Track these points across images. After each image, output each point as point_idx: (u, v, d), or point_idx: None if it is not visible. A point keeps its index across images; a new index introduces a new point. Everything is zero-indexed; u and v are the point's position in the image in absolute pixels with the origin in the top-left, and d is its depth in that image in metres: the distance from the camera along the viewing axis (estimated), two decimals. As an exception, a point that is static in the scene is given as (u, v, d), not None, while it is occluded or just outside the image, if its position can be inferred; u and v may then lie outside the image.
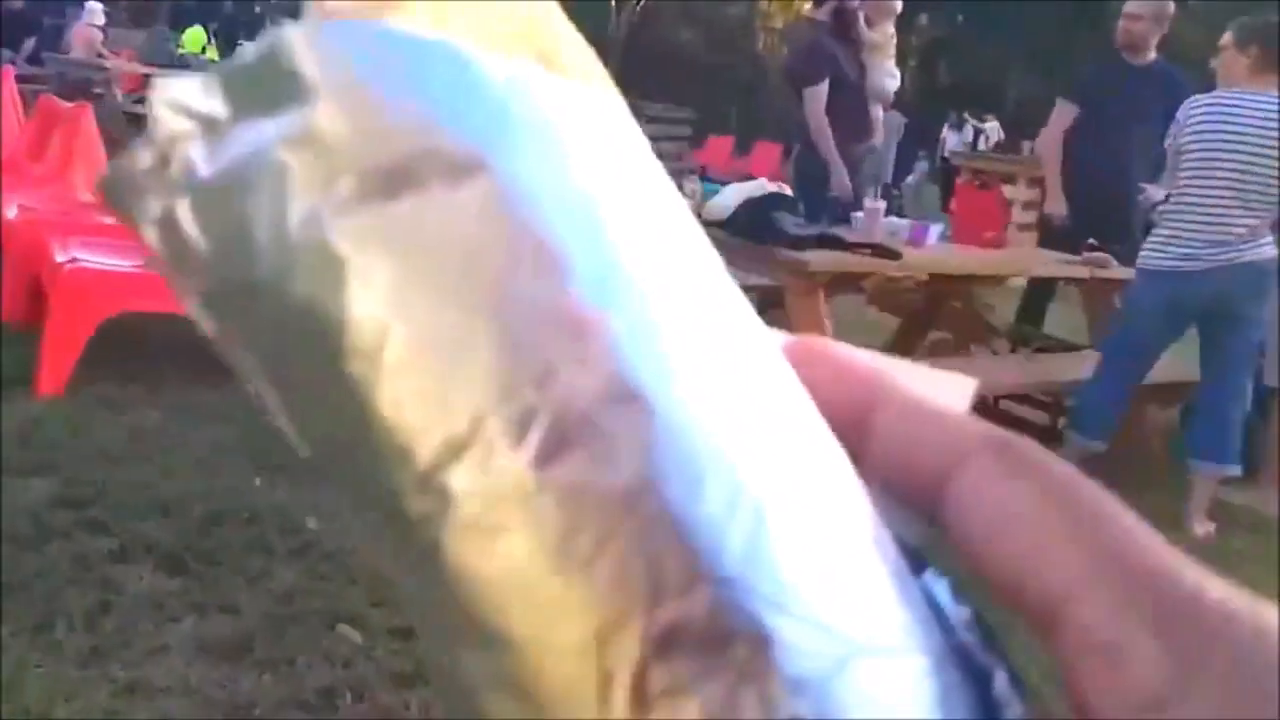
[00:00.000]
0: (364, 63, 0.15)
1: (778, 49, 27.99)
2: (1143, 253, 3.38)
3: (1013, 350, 4.28)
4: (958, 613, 0.16)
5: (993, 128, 14.76)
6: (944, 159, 13.62)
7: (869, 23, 4.78)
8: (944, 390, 0.18)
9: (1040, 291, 4.79)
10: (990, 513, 0.15)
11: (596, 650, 0.13)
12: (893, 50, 4.81)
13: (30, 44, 11.69)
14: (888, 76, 4.83)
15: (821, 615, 0.14)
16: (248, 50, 0.15)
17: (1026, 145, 9.67)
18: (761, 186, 3.66)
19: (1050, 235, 4.74)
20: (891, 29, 4.80)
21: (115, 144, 6.79)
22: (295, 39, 0.15)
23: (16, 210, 4.11)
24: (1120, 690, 0.14)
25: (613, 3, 21.23)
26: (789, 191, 3.79)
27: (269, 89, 0.14)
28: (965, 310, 4.44)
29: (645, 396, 0.14)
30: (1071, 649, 0.15)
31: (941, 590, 0.16)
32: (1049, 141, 4.54)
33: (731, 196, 3.64)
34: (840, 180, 4.63)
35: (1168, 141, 3.44)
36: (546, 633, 0.13)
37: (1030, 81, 22.49)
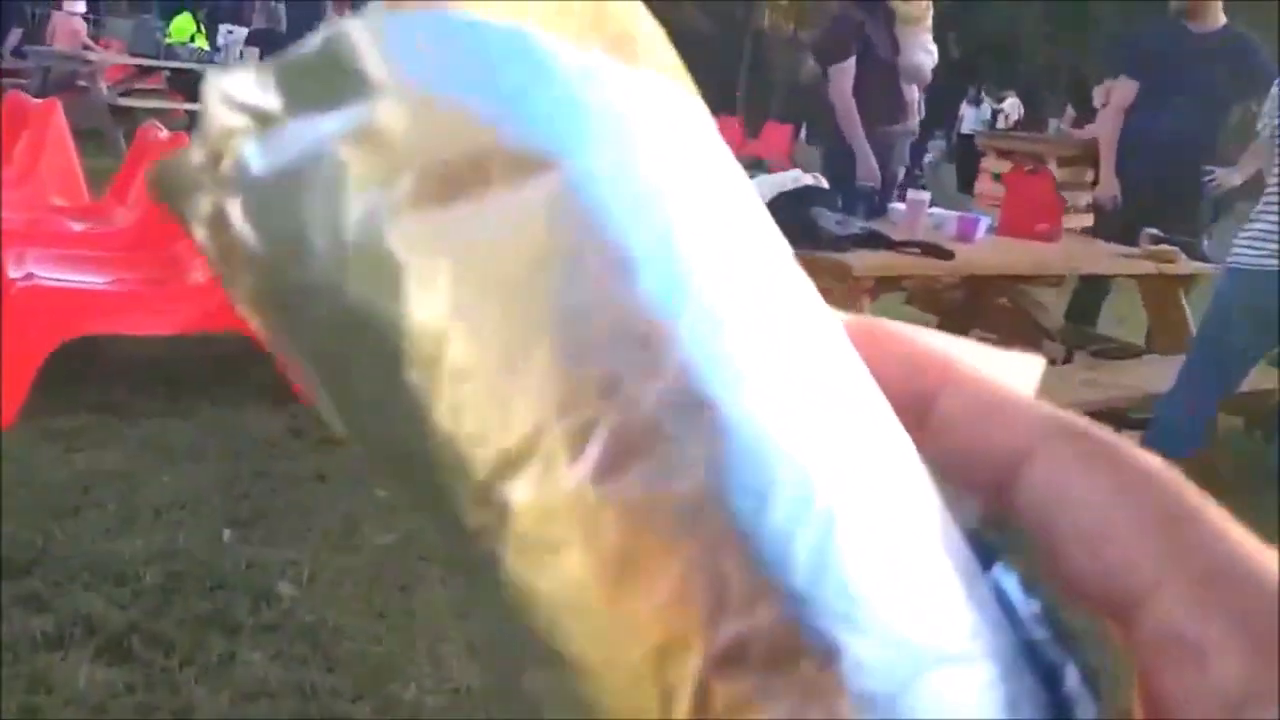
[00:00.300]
0: (429, 56, 0.14)
1: (784, 25, 27.42)
2: (1233, 249, 2.98)
3: (1068, 356, 3.87)
4: (1028, 607, 0.15)
5: (1012, 104, 14.24)
6: (961, 136, 13.15)
7: None
8: (1010, 370, 0.17)
9: (1094, 286, 4.39)
10: (1067, 504, 0.15)
11: (657, 666, 0.13)
12: (929, 23, 4.37)
13: (16, 36, 11.28)
14: (923, 52, 4.40)
15: (891, 628, 0.13)
16: (307, 42, 0.14)
17: (1053, 123, 9.19)
18: (796, 178, 3.26)
19: (1101, 222, 4.34)
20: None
21: (100, 139, 6.41)
22: (357, 32, 0.14)
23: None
24: (1201, 689, 0.14)
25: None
26: (824, 183, 3.39)
27: (327, 83, 0.14)
28: (1013, 308, 4.04)
29: (713, 402, 0.13)
30: (1150, 645, 0.14)
31: (1011, 584, 0.16)
32: (1108, 121, 4.15)
33: (763, 190, 3.25)
34: (867, 167, 4.22)
35: (1260, 124, 3.03)
36: (606, 648, 0.13)
37: (1046, 53, 21.92)
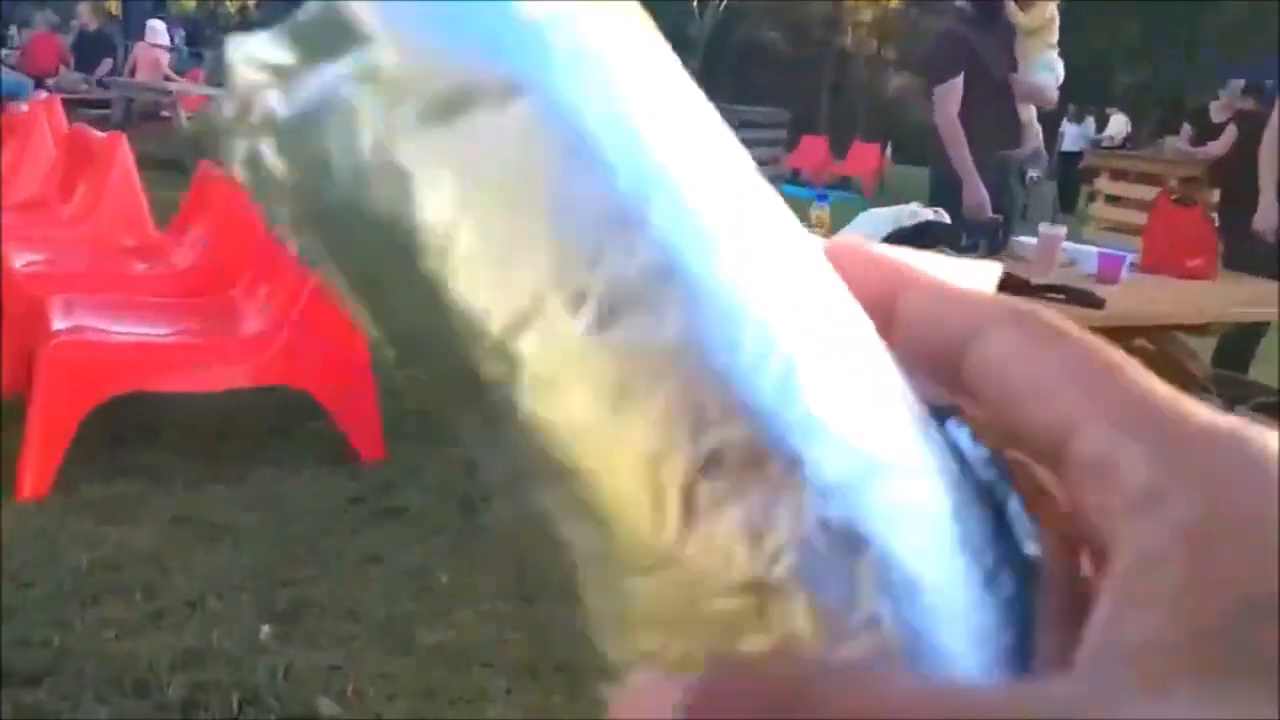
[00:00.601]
0: (410, 8, 0.16)
1: (868, 42, 26.86)
2: None
3: (1227, 411, 3.36)
4: (977, 453, 0.18)
5: (1119, 121, 13.45)
6: (1062, 154, 12.50)
7: (1021, 4, 3.91)
8: (969, 276, 0.19)
9: (1248, 328, 3.87)
10: (1009, 367, 0.16)
11: (650, 471, 0.15)
12: (1054, 36, 3.90)
13: (107, 65, 11.45)
14: (1043, 69, 3.94)
15: (848, 442, 0.16)
16: (308, 7, 0.16)
17: (1170, 140, 8.56)
18: (913, 213, 2.86)
19: (1256, 254, 3.84)
20: (1052, 9, 3.91)
21: (180, 170, 6.26)
22: None
23: (27, 263, 3.54)
24: (1113, 495, 0.15)
25: (695, 3, 20.48)
26: (945, 218, 2.97)
27: (330, 38, 0.16)
28: (1156, 353, 3.55)
29: (685, 271, 0.16)
30: (1075, 473, 0.16)
31: (963, 436, 0.18)
32: (1270, 143, 3.65)
33: (872, 226, 2.86)
34: (976, 197, 3.73)
35: None
36: (608, 462, 0.16)
37: (1143, 69, 20.99)
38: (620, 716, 0.15)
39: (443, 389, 0.16)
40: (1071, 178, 11.84)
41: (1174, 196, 3.81)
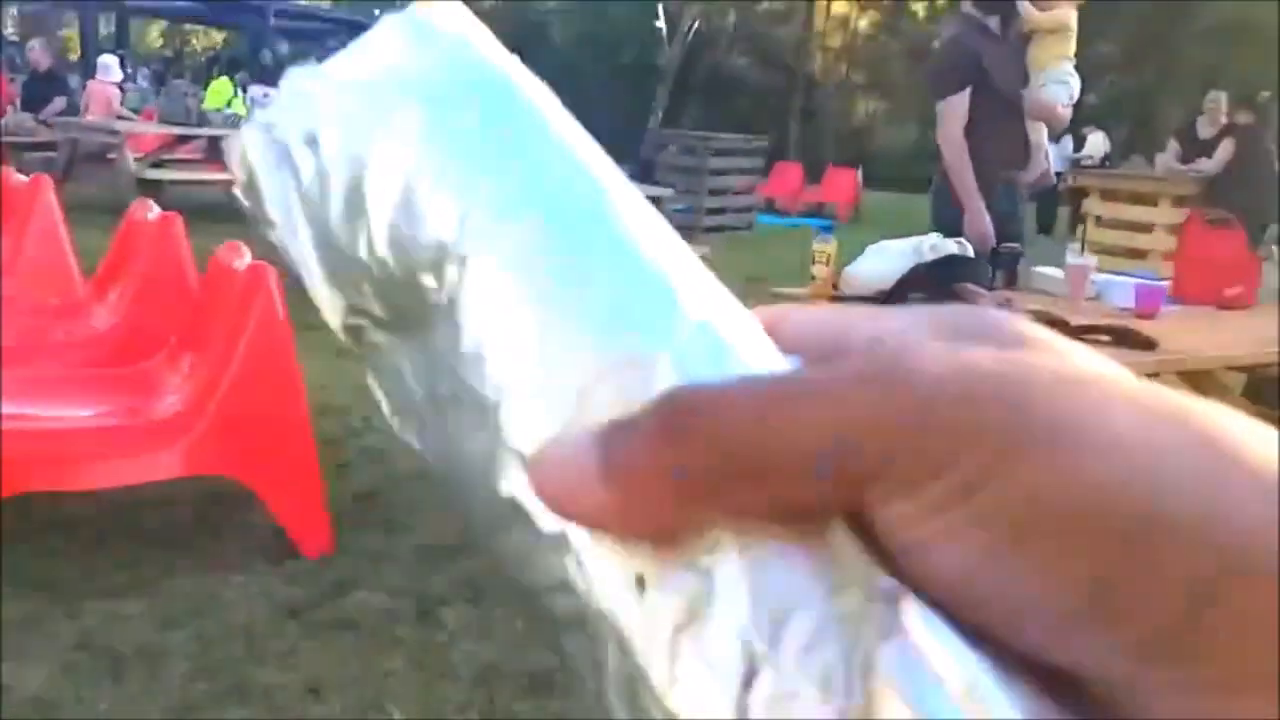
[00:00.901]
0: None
1: (836, 68, 26.80)
2: None
3: None
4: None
5: (1097, 140, 13.23)
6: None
7: (1038, 2, 3.55)
8: None
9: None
10: (791, 330, 0.21)
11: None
12: (1071, 46, 3.55)
13: (58, 105, 10.98)
14: (1055, 83, 3.59)
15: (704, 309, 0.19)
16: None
17: (1160, 158, 8.29)
18: (934, 247, 2.50)
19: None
20: (1072, 15, 3.54)
21: (120, 214, 5.77)
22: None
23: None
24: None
25: (663, 31, 20.30)
26: (969, 250, 2.61)
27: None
28: (1189, 389, 3.20)
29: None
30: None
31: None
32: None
33: (888, 261, 2.50)
34: (976, 227, 3.34)
35: None
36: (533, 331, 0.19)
37: (1119, 82, 20.95)
38: (541, 478, 0.18)
39: (404, 305, 0.20)
40: (1049, 199, 11.58)
41: (1208, 217, 3.46)
